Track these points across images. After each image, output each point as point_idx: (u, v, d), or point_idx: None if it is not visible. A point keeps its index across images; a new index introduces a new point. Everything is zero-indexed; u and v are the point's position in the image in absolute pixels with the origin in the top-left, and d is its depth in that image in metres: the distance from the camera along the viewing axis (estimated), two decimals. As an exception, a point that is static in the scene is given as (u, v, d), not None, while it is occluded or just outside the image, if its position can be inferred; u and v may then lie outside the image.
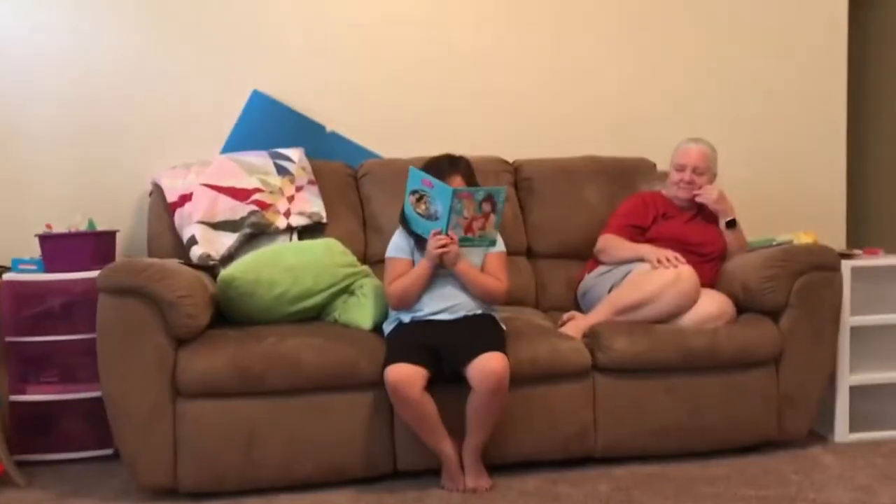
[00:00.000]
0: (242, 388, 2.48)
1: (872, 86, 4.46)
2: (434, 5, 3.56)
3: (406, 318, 2.59)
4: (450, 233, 2.51)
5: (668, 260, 2.78)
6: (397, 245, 2.67)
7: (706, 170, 3.08)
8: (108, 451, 2.88)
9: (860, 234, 4.25)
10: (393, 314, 2.66)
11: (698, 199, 3.05)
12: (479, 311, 2.60)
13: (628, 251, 2.95)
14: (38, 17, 3.30)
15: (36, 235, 2.92)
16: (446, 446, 2.47)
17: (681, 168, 3.09)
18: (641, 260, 2.87)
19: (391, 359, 2.42)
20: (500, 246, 2.73)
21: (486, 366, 2.36)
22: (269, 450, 2.50)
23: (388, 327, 2.64)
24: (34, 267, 2.90)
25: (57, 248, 2.89)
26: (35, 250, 2.95)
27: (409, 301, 2.59)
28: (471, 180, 2.66)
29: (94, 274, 2.53)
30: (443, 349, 2.43)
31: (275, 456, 2.50)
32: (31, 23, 3.29)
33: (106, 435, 2.68)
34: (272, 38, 3.45)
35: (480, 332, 2.50)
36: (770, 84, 3.81)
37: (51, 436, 2.91)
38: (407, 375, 2.36)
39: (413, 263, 2.62)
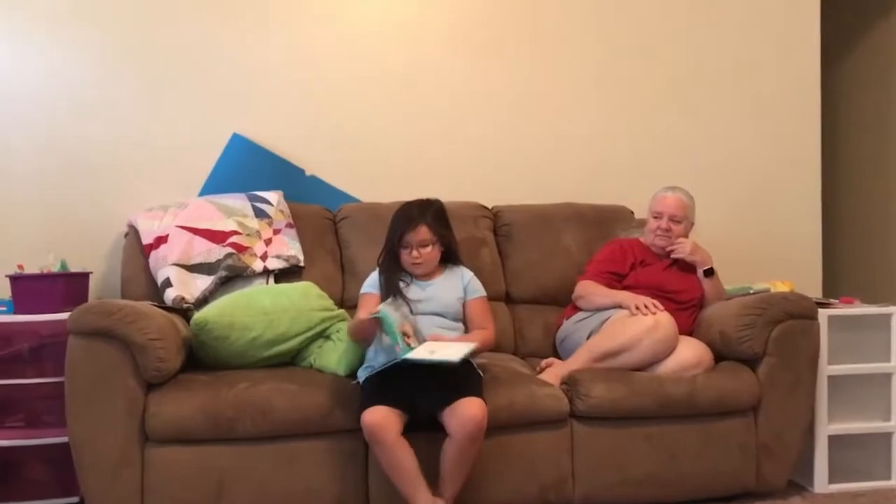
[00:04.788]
0: (213, 435, 2.43)
1: (846, 137, 4.55)
2: (414, 53, 3.60)
3: (382, 360, 2.54)
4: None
5: (646, 307, 2.78)
6: (370, 282, 2.72)
7: (683, 218, 3.10)
8: (74, 500, 2.79)
9: (835, 283, 4.29)
10: (368, 360, 2.62)
11: (673, 255, 3.06)
12: None
13: (606, 297, 2.94)
14: (13, 56, 3.29)
15: (7, 276, 2.88)
16: (423, 499, 2.39)
17: (658, 216, 3.11)
18: (619, 306, 2.86)
19: (368, 402, 2.38)
20: (481, 290, 2.75)
21: (465, 411, 2.33)
22: (240, 499, 2.43)
23: (363, 373, 2.60)
24: (3, 308, 2.85)
25: (27, 289, 2.84)
26: (6, 291, 2.90)
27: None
28: (440, 225, 2.70)
29: (64, 316, 2.48)
30: (419, 393, 2.39)
31: (245, 505, 2.44)
32: (7, 61, 3.29)
33: (72, 482, 2.60)
34: (253, 82, 3.46)
35: (457, 377, 2.46)
36: (747, 135, 3.86)
37: (14, 483, 2.82)
38: (383, 419, 2.32)
39: (381, 299, 2.63)
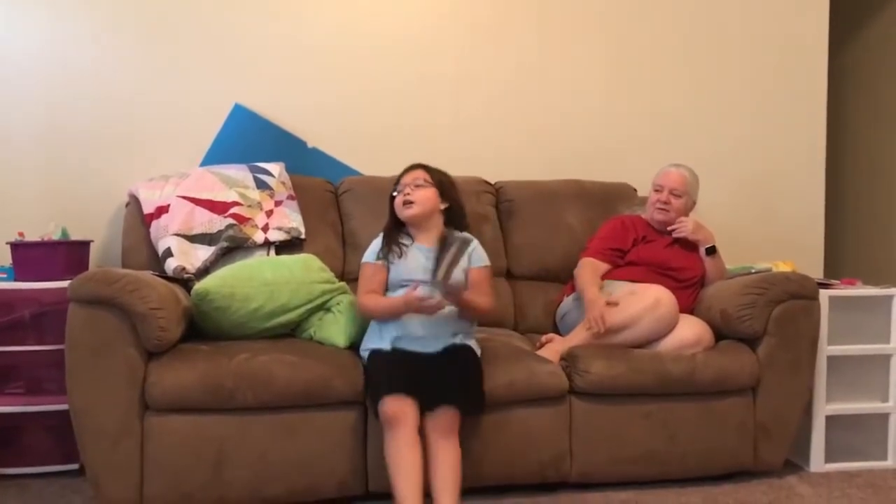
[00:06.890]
0: (213, 405, 2.43)
1: (851, 120, 4.53)
2: (418, 26, 3.57)
3: (386, 344, 2.52)
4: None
5: (595, 321, 2.70)
6: (372, 250, 2.69)
7: (684, 193, 3.08)
8: (74, 466, 2.81)
9: (837, 264, 4.29)
10: (372, 337, 2.61)
11: (675, 235, 3.04)
12: (458, 341, 2.54)
13: (584, 288, 2.88)
14: (12, 24, 3.26)
15: (7, 243, 2.87)
16: None
17: (659, 189, 3.10)
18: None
19: (383, 389, 2.33)
20: (485, 260, 2.69)
21: (438, 421, 2.31)
22: (239, 468, 2.44)
23: (366, 353, 2.58)
24: (4, 275, 2.85)
25: (28, 256, 2.84)
26: (6, 258, 2.90)
27: (374, 319, 2.63)
28: (442, 177, 2.72)
29: (65, 284, 2.47)
30: (422, 385, 2.36)
31: (244, 475, 2.45)
32: (6, 29, 3.25)
33: (72, 449, 2.62)
34: (256, 52, 3.43)
35: (453, 374, 2.42)
36: (752, 115, 3.85)
37: (14, 449, 2.84)
38: (403, 410, 2.28)
39: (385, 268, 2.64)
